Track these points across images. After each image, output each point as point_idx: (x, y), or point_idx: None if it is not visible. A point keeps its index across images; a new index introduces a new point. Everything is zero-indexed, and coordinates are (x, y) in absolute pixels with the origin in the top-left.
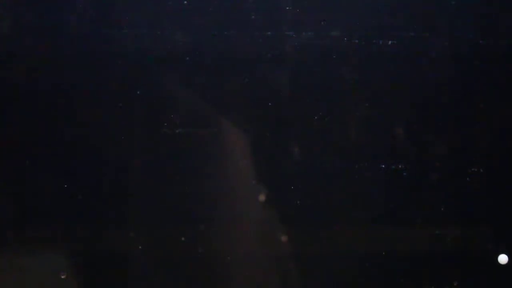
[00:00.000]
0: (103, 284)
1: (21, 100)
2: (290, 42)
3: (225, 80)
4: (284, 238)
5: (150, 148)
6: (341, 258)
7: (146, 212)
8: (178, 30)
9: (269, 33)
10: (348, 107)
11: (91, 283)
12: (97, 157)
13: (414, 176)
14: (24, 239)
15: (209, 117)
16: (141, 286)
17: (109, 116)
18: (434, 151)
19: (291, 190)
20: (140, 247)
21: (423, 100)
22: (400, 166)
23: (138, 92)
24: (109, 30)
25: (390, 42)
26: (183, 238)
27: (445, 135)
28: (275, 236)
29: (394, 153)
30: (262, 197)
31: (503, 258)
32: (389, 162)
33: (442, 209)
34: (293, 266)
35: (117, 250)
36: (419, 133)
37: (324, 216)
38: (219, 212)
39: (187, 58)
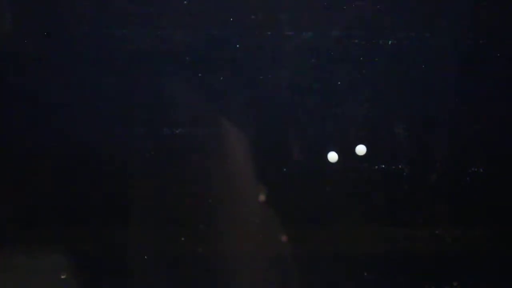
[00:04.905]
0: (103, 284)
1: (20, 100)
2: (290, 42)
3: (224, 80)
4: (284, 238)
5: (150, 148)
6: (341, 258)
7: (146, 212)
8: (178, 30)
9: (269, 33)
10: (348, 107)
11: (91, 283)
12: (97, 157)
13: (414, 176)
14: (24, 239)
15: (209, 117)
16: (141, 286)
17: (109, 116)
18: (434, 151)
19: (291, 190)
20: (139, 247)
21: (423, 100)
22: (400, 166)
23: (138, 92)
24: (109, 30)
25: (390, 42)
26: (183, 238)
27: (445, 135)
28: (275, 236)
29: (394, 153)
30: (262, 197)
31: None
32: (389, 162)
33: (442, 209)
34: (293, 266)
35: (117, 250)
36: (419, 133)
37: (324, 216)
38: (220, 212)
39: (187, 58)
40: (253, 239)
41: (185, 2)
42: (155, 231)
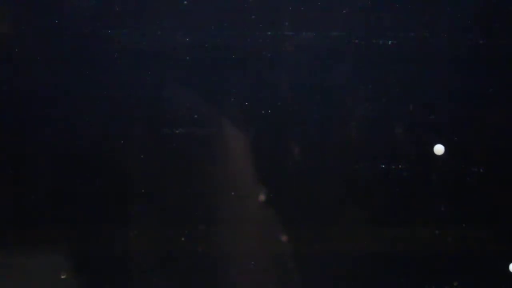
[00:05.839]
0: (103, 284)
1: (20, 101)
2: (290, 42)
3: (225, 80)
4: (284, 238)
5: (150, 148)
6: (341, 258)
7: (146, 212)
8: (178, 30)
9: (269, 33)
10: (348, 107)
11: (91, 283)
12: (97, 158)
13: (414, 176)
14: (24, 239)
15: (209, 117)
16: (141, 286)
17: (109, 116)
18: (434, 151)
19: (291, 190)
20: (140, 247)
21: (423, 100)
22: (400, 166)
23: (138, 92)
24: (109, 30)
25: (390, 42)
26: (183, 238)
27: (445, 135)
28: (275, 236)
29: (394, 153)
30: (262, 197)
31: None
32: (389, 162)
33: (442, 209)
34: (292, 266)
35: (117, 250)
36: (419, 133)
37: (324, 216)
38: (220, 212)
39: (187, 58)
40: (254, 239)
41: (185, 2)
42: (155, 231)
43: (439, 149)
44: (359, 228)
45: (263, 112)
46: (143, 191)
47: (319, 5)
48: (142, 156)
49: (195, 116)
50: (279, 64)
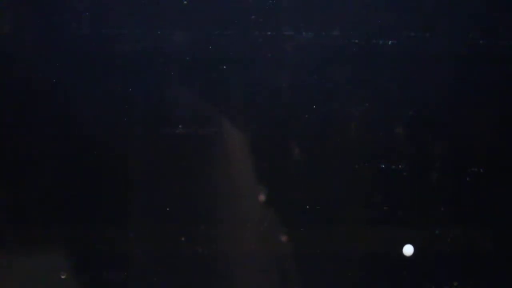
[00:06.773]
0: (103, 284)
1: (20, 100)
2: (290, 42)
3: (225, 80)
4: (284, 238)
5: (150, 148)
6: (341, 258)
7: (146, 212)
8: (178, 30)
9: (269, 33)
10: (348, 107)
11: (91, 283)
12: (96, 157)
13: (414, 176)
14: (24, 239)
15: (209, 117)
16: (141, 286)
17: (108, 116)
18: (434, 151)
19: (291, 190)
20: (140, 247)
21: (423, 100)
22: (400, 166)
23: (138, 92)
24: (109, 30)
25: (390, 42)
26: (183, 238)
27: (445, 135)
28: (275, 237)
29: (394, 153)
30: (262, 197)
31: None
32: (389, 162)
33: (442, 209)
34: (293, 266)
35: (117, 250)
36: (419, 133)
37: (324, 216)
38: (220, 212)
39: (187, 58)
40: (254, 239)
41: (185, 2)
42: (155, 230)
43: (408, 250)
44: (359, 228)
45: (263, 112)
46: (143, 190)
47: (319, 5)
48: (142, 156)
49: (195, 116)
50: (279, 64)
